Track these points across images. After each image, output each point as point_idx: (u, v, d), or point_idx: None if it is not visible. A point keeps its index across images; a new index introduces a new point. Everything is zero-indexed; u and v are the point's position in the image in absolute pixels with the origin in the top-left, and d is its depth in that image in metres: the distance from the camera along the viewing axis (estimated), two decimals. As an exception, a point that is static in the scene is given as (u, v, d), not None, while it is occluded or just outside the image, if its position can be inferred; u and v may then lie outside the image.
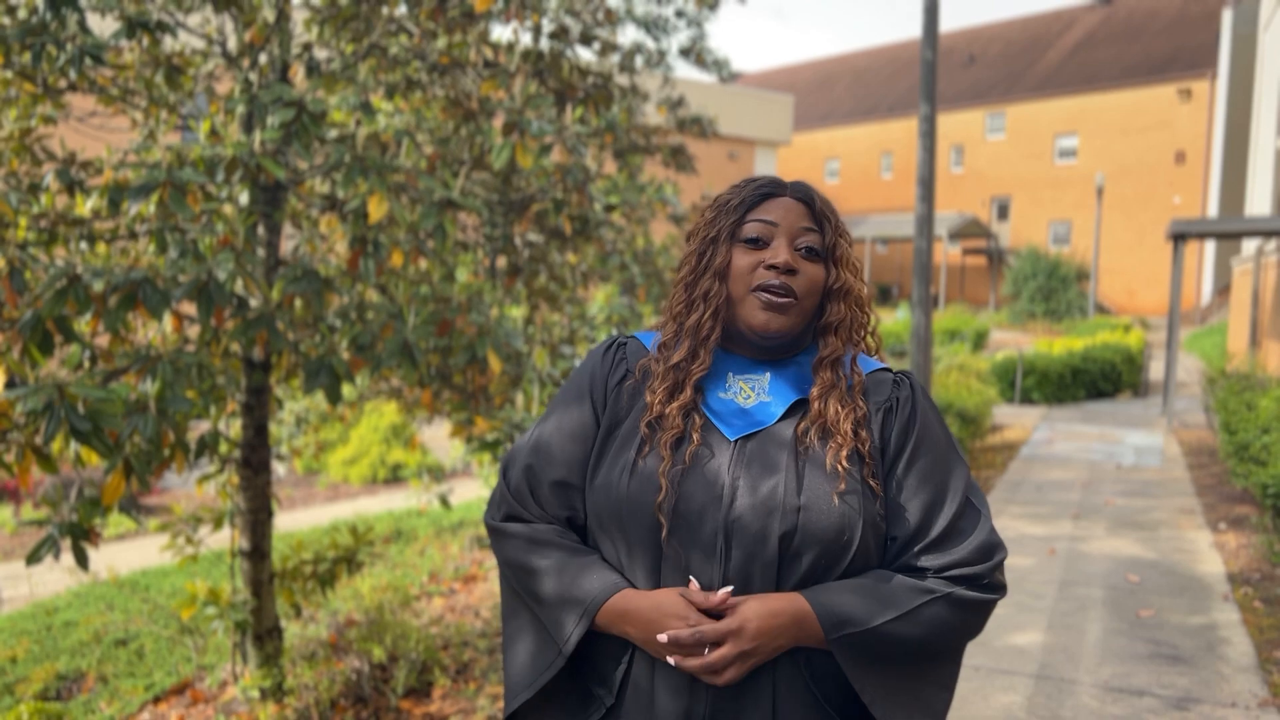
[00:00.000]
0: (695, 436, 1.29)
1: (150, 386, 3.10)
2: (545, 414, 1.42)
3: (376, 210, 3.05)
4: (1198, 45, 30.26)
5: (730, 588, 1.21)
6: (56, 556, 2.91)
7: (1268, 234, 11.46)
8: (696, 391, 1.33)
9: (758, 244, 1.32)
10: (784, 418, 1.32)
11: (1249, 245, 15.82)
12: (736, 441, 1.30)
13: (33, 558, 2.84)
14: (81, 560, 2.91)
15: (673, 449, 1.28)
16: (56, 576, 7.57)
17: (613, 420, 1.36)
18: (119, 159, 3.83)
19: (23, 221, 3.32)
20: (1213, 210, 27.87)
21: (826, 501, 1.24)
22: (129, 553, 8.34)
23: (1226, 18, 26.59)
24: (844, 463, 1.26)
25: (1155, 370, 15.81)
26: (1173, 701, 3.73)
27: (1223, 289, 27.30)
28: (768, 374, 1.34)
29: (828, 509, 1.24)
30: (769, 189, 1.36)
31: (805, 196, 1.35)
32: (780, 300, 1.29)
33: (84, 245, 3.43)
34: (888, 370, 1.39)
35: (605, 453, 1.34)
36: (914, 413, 1.33)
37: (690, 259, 1.38)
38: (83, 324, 3.35)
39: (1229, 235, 13.29)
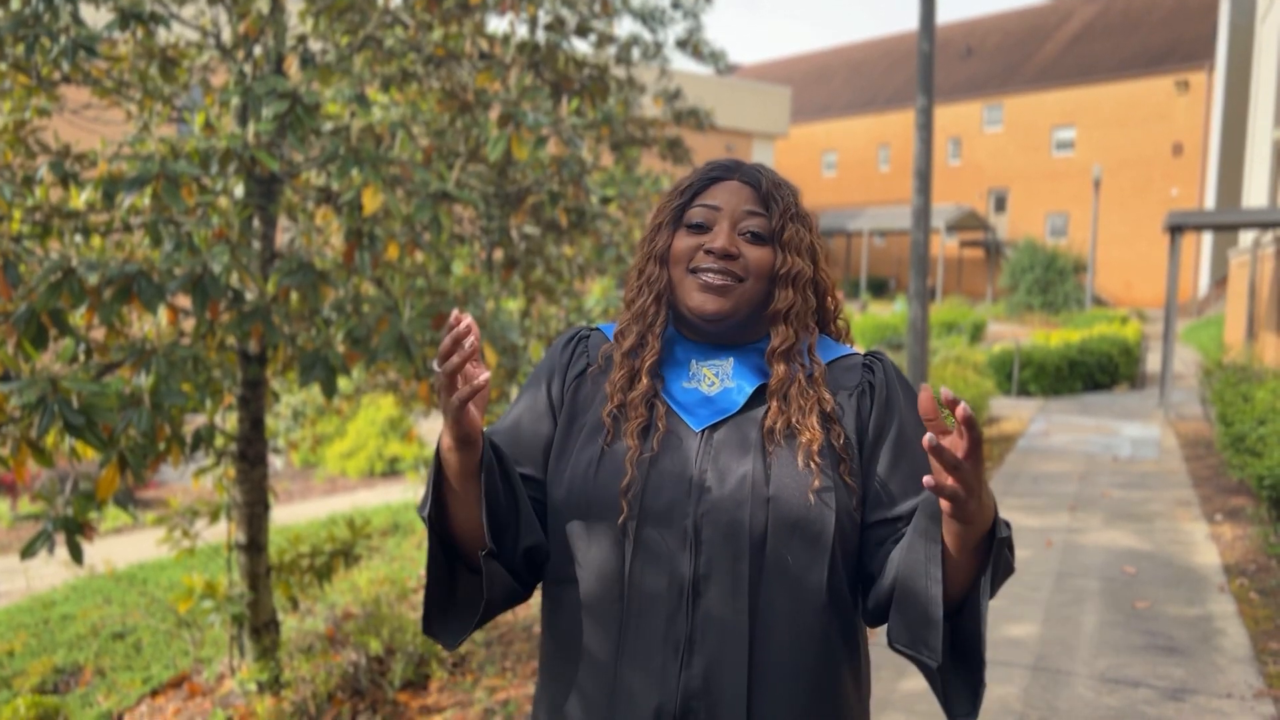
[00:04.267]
0: (661, 424, 1.27)
1: (145, 380, 3.10)
2: (509, 408, 1.39)
3: (371, 202, 3.04)
4: (1195, 37, 30.24)
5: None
6: (51, 551, 2.91)
7: (1264, 225, 11.47)
8: (655, 379, 1.30)
9: (701, 229, 1.29)
10: (750, 404, 1.29)
11: (1246, 237, 15.83)
12: (703, 432, 1.27)
13: (27, 552, 2.84)
14: (76, 554, 2.91)
15: (640, 437, 1.26)
16: (53, 570, 7.56)
17: (572, 413, 1.33)
18: (113, 151, 3.82)
19: (17, 214, 3.30)
20: (1210, 202, 27.88)
21: (797, 491, 1.21)
22: (125, 546, 8.35)
23: (1224, 9, 26.56)
24: (816, 459, 1.22)
25: (1152, 362, 15.82)
26: (1168, 692, 3.74)
27: (1220, 281, 27.33)
28: (730, 359, 1.31)
29: (799, 499, 1.21)
30: (718, 173, 1.33)
31: (753, 179, 1.32)
32: (717, 283, 1.26)
33: (78, 238, 3.42)
34: (856, 354, 1.35)
35: (567, 446, 1.31)
36: (890, 400, 1.30)
37: (641, 245, 1.36)
38: (77, 317, 3.34)
39: (1226, 227, 13.32)
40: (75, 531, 2.90)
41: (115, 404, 2.89)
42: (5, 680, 5.54)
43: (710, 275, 1.26)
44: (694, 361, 1.32)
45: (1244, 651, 4.14)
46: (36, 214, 3.30)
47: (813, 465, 1.22)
